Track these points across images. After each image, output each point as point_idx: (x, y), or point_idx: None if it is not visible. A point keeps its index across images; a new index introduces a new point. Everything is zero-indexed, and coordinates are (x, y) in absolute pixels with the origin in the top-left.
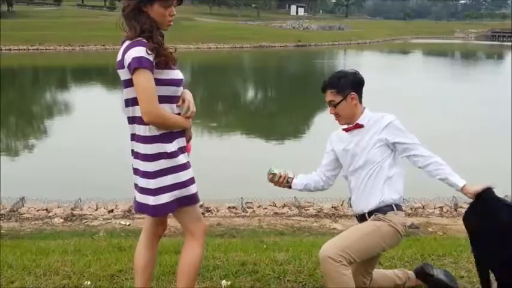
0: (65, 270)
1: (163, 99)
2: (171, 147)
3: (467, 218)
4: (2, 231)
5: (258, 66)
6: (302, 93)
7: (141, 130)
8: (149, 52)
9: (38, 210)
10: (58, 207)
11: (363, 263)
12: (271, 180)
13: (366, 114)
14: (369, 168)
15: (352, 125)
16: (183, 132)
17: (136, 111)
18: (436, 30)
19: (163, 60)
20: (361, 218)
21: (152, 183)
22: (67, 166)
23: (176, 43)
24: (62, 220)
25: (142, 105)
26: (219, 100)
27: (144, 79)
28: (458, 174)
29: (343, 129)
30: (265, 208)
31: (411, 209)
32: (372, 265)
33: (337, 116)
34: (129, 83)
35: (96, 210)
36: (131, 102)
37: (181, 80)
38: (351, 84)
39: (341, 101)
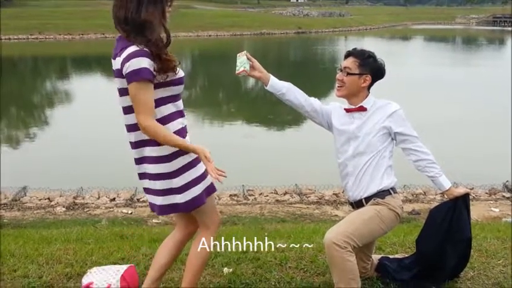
0: (67, 259)
1: (167, 99)
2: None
3: (435, 210)
4: (4, 221)
5: (258, 53)
6: (303, 80)
7: None
8: (151, 63)
9: (40, 200)
10: (60, 196)
11: (361, 248)
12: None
13: (370, 98)
14: (370, 155)
15: (355, 106)
16: (185, 126)
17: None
18: (437, 16)
19: (164, 72)
20: (358, 204)
21: (175, 182)
22: (69, 155)
23: (176, 31)
24: (64, 209)
25: (140, 118)
26: (219, 87)
27: (143, 91)
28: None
29: (345, 109)
30: (267, 195)
31: (412, 195)
32: (370, 250)
33: (341, 84)
34: (126, 92)
35: (98, 199)
36: (130, 109)
37: (183, 77)
38: (373, 68)
39: (355, 74)
